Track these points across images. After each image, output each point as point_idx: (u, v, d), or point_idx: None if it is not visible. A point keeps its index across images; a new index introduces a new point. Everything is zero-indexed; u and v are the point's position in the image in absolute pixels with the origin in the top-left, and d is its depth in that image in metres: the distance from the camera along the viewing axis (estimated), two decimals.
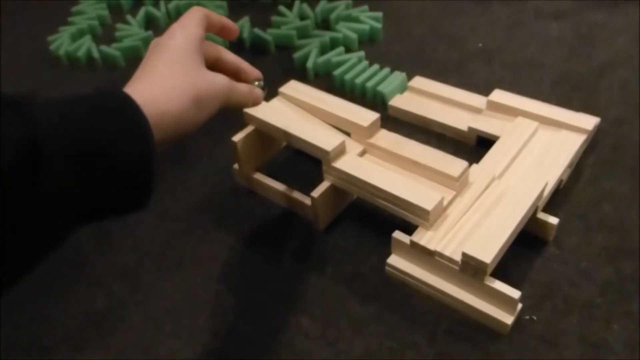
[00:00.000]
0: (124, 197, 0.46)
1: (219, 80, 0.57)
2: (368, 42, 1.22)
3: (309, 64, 1.12)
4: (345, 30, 1.20)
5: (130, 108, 0.45)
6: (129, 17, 1.37)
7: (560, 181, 0.83)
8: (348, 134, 0.85)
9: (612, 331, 0.69)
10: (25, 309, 0.78)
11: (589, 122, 0.89)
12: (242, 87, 0.62)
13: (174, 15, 1.38)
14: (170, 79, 0.51)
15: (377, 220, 0.83)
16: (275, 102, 0.88)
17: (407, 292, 0.75)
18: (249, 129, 0.86)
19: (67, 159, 0.40)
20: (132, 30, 1.32)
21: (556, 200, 0.83)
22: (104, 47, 1.26)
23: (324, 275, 0.78)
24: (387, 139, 0.82)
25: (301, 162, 0.92)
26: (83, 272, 0.83)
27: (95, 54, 1.25)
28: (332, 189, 0.80)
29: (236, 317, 0.75)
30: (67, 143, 0.40)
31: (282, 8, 1.31)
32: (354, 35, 1.18)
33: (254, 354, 0.71)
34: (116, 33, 1.31)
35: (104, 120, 0.43)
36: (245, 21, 1.29)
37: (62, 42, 1.29)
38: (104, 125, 0.43)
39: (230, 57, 0.64)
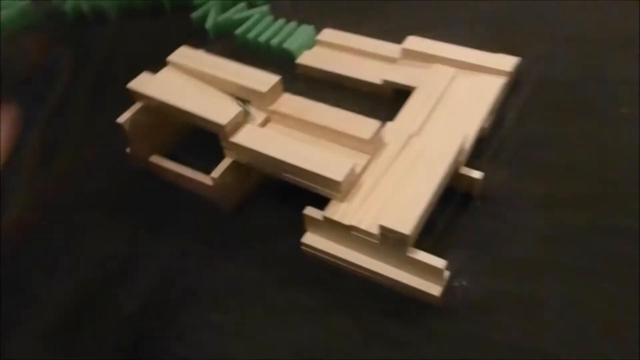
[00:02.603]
0: None
1: None
2: None
3: (209, 24, 1.01)
4: None
5: None
6: None
7: (482, 130, 0.77)
8: (248, 102, 0.75)
9: (548, 288, 0.64)
10: None
11: (508, 62, 0.82)
12: None
13: None
14: None
15: (292, 195, 0.74)
16: (164, 73, 0.77)
17: (328, 272, 0.68)
18: (137, 106, 0.76)
19: None
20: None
21: (480, 150, 0.77)
22: None
23: (236, 262, 0.70)
24: (291, 103, 0.73)
25: (206, 138, 0.82)
26: None
27: None
28: (235, 166, 0.71)
29: (140, 320, 0.66)
30: None
31: None
32: None
33: None
34: None
35: None
36: None
37: None
38: None
39: None
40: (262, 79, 0.74)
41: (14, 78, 0.99)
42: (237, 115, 0.68)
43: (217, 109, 0.69)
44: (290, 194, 0.74)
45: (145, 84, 0.75)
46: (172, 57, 0.80)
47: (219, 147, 0.72)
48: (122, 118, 0.75)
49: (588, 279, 0.64)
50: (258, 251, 0.71)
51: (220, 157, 0.72)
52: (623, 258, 0.65)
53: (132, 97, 0.76)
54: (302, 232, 0.70)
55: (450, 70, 0.82)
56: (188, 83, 0.77)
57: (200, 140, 0.82)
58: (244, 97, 0.75)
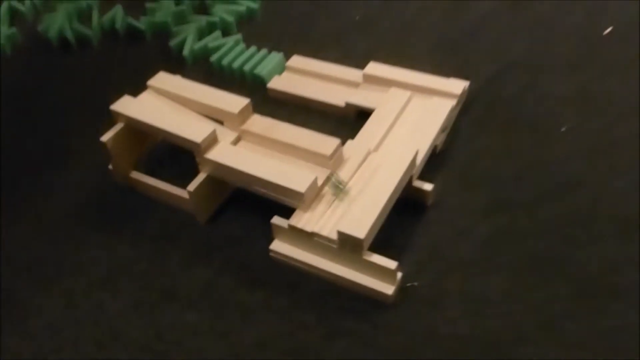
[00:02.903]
0: None
1: None
2: (246, 22, 1.19)
3: (186, 51, 1.09)
4: (222, 13, 1.17)
5: None
6: None
7: (434, 147, 0.85)
8: (222, 123, 0.83)
9: (490, 285, 0.72)
10: None
11: (458, 86, 0.91)
12: None
13: (41, 8, 1.29)
14: None
15: (262, 205, 0.82)
16: (144, 96, 0.85)
17: (294, 275, 0.75)
18: (119, 126, 0.83)
19: None
20: None
21: (434, 164, 0.85)
22: None
23: (211, 268, 0.77)
24: (260, 123, 0.81)
25: (181, 155, 0.89)
26: None
27: None
28: (210, 180, 0.78)
29: (122, 321, 0.73)
30: None
31: None
32: (231, 19, 1.15)
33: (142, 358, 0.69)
34: None
35: None
36: (117, 9, 1.23)
37: None
38: None
39: None
40: (234, 102, 0.81)
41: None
42: (211, 134, 0.76)
43: (193, 129, 0.77)
44: (259, 205, 0.81)
45: (127, 105, 0.82)
46: (151, 82, 0.87)
47: (192, 163, 0.79)
48: (105, 137, 0.82)
49: (524, 276, 0.72)
50: (230, 256, 0.78)
51: (193, 172, 0.79)
52: (555, 258, 0.73)
53: (114, 117, 0.83)
54: (270, 238, 0.77)
55: (406, 93, 0.90)
56: (166, 105, 0.84)
57: (175, 156, 0.90)
58: (218, 118, 0.82)
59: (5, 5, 1.28)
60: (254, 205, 0.83)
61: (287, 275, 0.75)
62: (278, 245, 0.75)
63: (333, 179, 0.72)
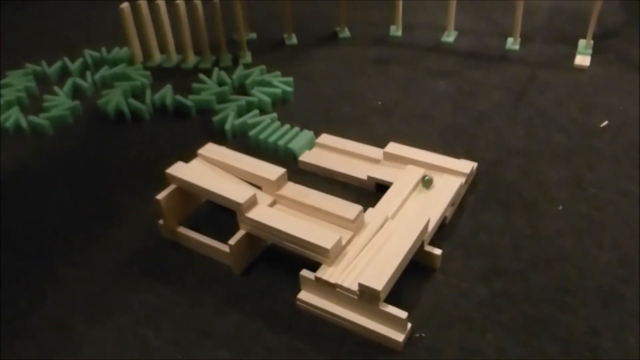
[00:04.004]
0: None
1: None
2: (281, 103, 1.36)
3: (227, 126, 1.24)
4: (259, 94, 1.33)
5: None
6: (56, 88, 1.45)
7: (444, 218, 0.98)
8: (260, 188, 0.96)
9: (485, 340, 0.82)
10: None
11: (467, 166, 1.04)
12: None
13: (101, 85, 1.47)
14: None
15: (290, 260, 0.94)
16: (195, 162, 0.99)
17: (315, 321, 0.86)
18: (171, 187, 0.97)
19: None
20: (59, 100, 1.40)
21: (442, 233, 0.98)
22: (32, 117, 1.34)
23: (242, 312, 0.88)
24: (293, 190, 0.94)
25: (221, 214, 1.02)
26: (17, 327, 0.89)
27: (24, 124, 1.33)
28: (247, 236, 0.91)
29: (162, 355, 0.83)
30: None
31: (202, 75, 1.43)
32: (267, 99, 1.32)
33: None
34: (44, 103, 1.39)
35: None
36: (167, 89, 1.40)
37: None
38: None
39: None
40: (272, 170, 0.95)
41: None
42: (251, 197, 0.89)
43: (236, 192, 0.90)
44: (289, 259, 0.93)
45: (180, 170, 0.96)
46: (201, 151, 1.02)
47: (228, 222, 0.92)
48: (160, 196, 0.95)
49: (516, 334, 0.82)
50: (259, 303, 0.89)
51: (229, 229, 0.92)
52: (544, 319, 0.83)
53: (168, 180, 0.97)
54: (296, 290, 0.88)
55: (420, 171, 1.04)
56: (213, 171, 0.98)
57: (214, 216, 1.03)
58: (257, 184, 0.96)
59: (70, 81, 1.47)
60: (281, 261, 0.95)
61: (309, 322, 0.86)
62: (305, 296, 0.86)
63: (426, 178, 0.93)
